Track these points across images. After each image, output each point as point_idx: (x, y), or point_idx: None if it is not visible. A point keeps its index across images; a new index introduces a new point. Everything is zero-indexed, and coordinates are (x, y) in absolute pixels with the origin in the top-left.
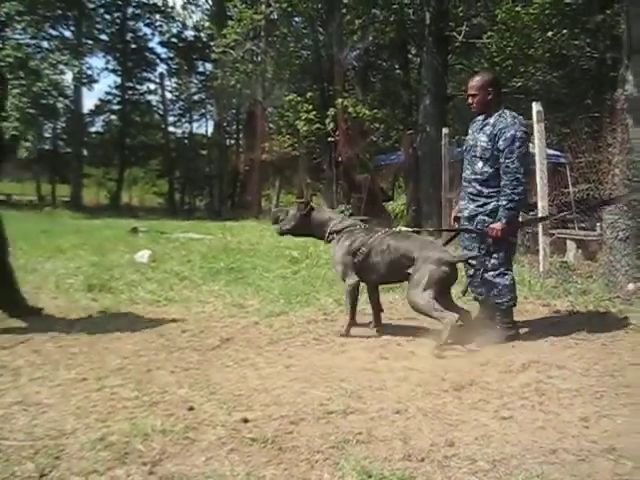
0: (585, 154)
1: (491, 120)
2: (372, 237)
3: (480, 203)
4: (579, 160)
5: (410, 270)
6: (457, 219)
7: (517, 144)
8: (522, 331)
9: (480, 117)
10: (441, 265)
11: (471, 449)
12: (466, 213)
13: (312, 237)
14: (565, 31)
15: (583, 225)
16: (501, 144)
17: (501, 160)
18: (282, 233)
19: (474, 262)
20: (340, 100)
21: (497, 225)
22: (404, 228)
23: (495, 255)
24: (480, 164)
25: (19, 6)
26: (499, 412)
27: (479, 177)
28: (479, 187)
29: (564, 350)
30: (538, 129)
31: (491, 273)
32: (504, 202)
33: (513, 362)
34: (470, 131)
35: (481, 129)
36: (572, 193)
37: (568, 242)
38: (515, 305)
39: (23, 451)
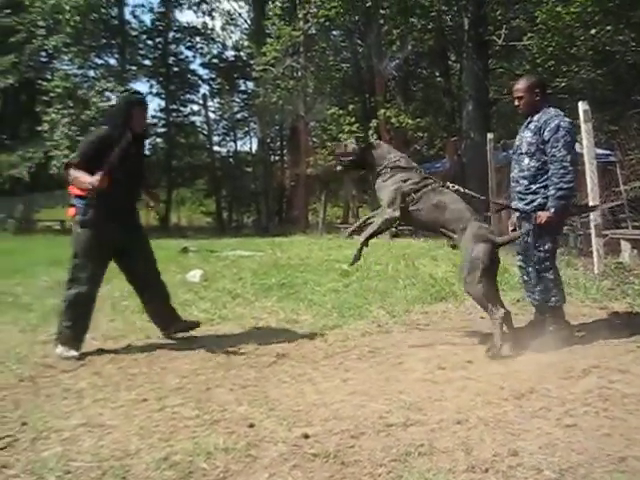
0: (635, 151)
1: (535, 117)
2: (426, 185)
3: (528, 200)
4: (630, 157)
5: (450, 232)
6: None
7: (562, 132)
8: (580, 335)
9: (526, 120)
10: (491, 246)
11: (536, 458)
12: (517, 213)
13: (368, 172)
14: (609, 27)
15: (637, 224)
16: (546, 134)
17: (547, 150)
18: (342, 167)
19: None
20: (382, 111)
21: (545, 213)
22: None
23: (540, 248)
24: (526, 160)
25: (66, 38)
26: (562, 420)
27: (526, 173)
28: (527, 183)
29: (625, 354)
30: (585, 128)
31: (536, 267)
32: (552, 191)
33: (573, 368)
34: (518, 135)
35: (526, 127)
36: (624, 192)
37: (622, 242)
38: (564, 302)
39: (91, 472)
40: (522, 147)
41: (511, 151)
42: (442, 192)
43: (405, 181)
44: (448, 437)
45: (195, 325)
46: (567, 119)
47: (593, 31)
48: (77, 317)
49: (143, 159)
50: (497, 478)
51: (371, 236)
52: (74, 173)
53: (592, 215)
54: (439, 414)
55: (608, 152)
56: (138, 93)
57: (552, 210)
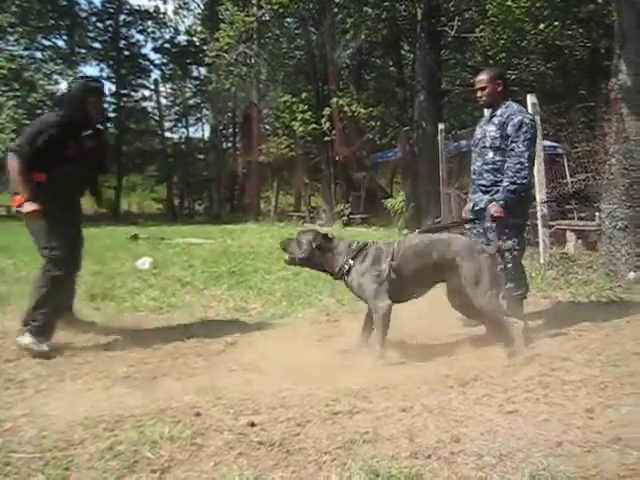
0: (582, 144)
1: (498, 112)
2: (395, 250)
3: (494, 192)
4: (576, 150)
5: (449, 274)
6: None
7: (524, 129)
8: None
9: (487, 112)
10: (489, 258)
11: (477, 444)
12: (482, 205)
13: (323, 272)
14: (557, 22)
15: (582, 215)
16: (509, 129)
17: (508, 145)
18: (291, 263)
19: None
20: (335, 99)
21: (495, 206)
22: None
23: (514, 247)
24: (491, 154)
25: (11, 18)
26: (504, 406)
27: (490, 167)
28: (491, 177)
29: (567, 342)
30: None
31: (509, 266)
32: (505, 183)
33: (516, 355)
34: (478, 128)
35: (489, 120)
36: (570, 183)
37: (568, 233)
38: (526, 297)
39: (33, 463)
40: (486, 141)
41: (468, 143)
42: (411, 243)
43: (376, 264)
44: (393, 424)
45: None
46: (529, 116)
47: (542, 25)
48: (53, 305)
49: (102, 152)
50: (439, 464)
51: (383, 337)
52: (13, 166)
53: (539, 206)
54: (385, 402)
55: (555, 144)
56: (95, 80)
57: (501, 202)
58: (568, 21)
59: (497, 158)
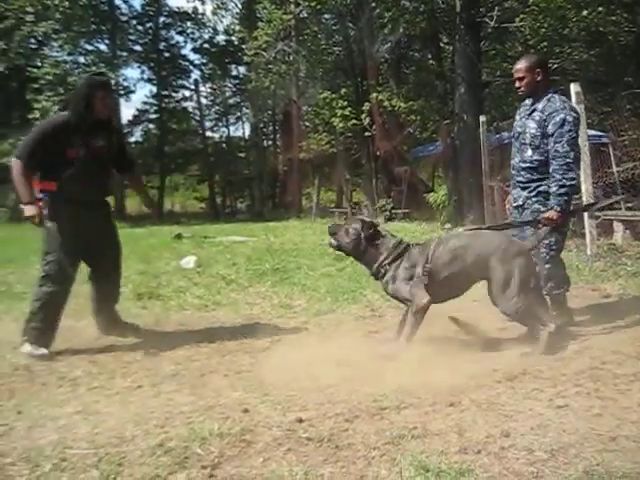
0: (628, 132)
1: (539, 105)
2: (431, 253)
3: (532, 189)
4: (622, 138)
5: (486, 274)
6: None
7: (567, 128)
8: (571, 317)
9: (527, 101)
10: (521, 257)
11: (527, 439)
12: (520, 201)
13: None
14: (601, 8)
15: (630, 205)
16: (550, 128)
17: (550, 144)
18: (337, 249)
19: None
20: (375, 94)
21: (550, 214)
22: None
23: (552, 245)
24: (529, 152)
25: (55, 24)
26: (554, 401)
27: (528, 165)
28: (529, 175)
29: (617, 334)
30: (578, 110)
31: (547, 266)
32: (554, 188)
33: (565, 349)
34: (517, 117)
35: (529, 115)
36: (616, 173)
37: (615, 223)
38: (566, 291)
39: (87, 459)
40: (525, 137)
41: (510, 134)
42: (448, 249)
43: (414, 266)
44: (441, 419)
45: (136, 328)
46: (573, 112)
47: (585, 12)
48: (48, 316)
49: (113, 148)
50: (489, 459)
51: (413, 332)
52: (18, 176)
53: (585, 197)
54: (432, 397)
55: (601, 133)
56: (101, 74)
57: (557, 208)
58: (612, 6)
59: (535, 157)
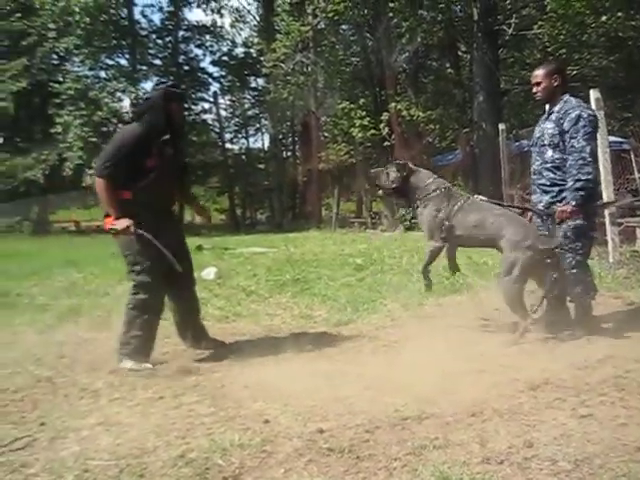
0: None
1: (556, 107)
2: (457, 207)
3: (554, 193)
4: None
5: (499, 243)
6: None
7: (582, 123)
8: (595, 325)
9: (546, 108)
10: (532, 251)
11: (551, 449)
12: (540, 206)
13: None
14: (620, 13)
15: None
16: (566, 125)
17: (566, 141)
18: (388, 193)
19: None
20: (393, 104)
21: (566, 207)
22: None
23: (571, 246)
24: (550, 152)
25: (76, 40)
26: (577, 410)
27: (549, 165)
28: (551, 175)
29: None
30: (594, 110)
31: (573, 270)
32: (570, 183)
33: (588, 358)
34: (537, 126)
35: (547, 118)
36: (638, 179)
37: (638, 230)
38: (592, 298)
39: (109, 470)
40: (544, 139)
41: (529, 142)
42: (475, 209)
43: (438, 211)
44: (463, 430)
45: (221, 344)
46: (589, 110)
47: (604, 18)
48: (147, 325)
49: (182, 158)
50: (512, 470)
51: (426, 267)
52: (100, 186)
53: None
54: (454, 407)
55: (622, 140)
56: (174, 85)
57: (572, 202)
58: (632, 11)
59: (556, 156)
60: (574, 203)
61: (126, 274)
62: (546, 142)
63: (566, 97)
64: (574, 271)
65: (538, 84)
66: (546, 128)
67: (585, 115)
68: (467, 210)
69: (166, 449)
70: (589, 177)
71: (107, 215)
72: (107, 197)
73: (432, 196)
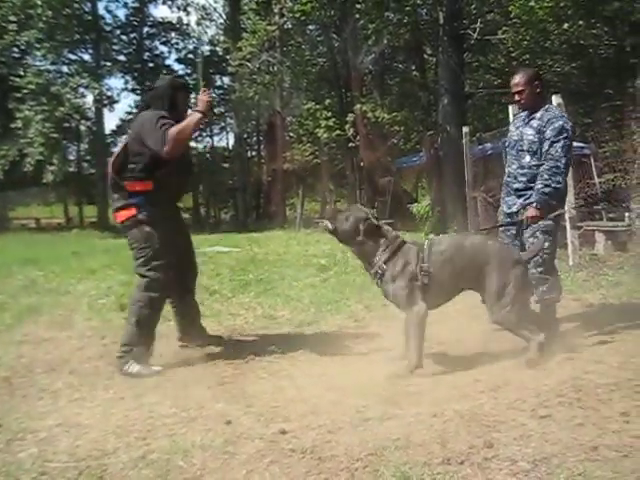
0: (609, 143)
1: (537, 114)
2: (426, 253)
3: (527, 196)
4: (603, 150)
5: (481, 278)
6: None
7: (564, 135)
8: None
9: (523, 113)
10: (519, 267)
11: (510, 450)
12: (514, 209)
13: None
14: (581, 21)
15: (611, 216)
16: (548, 133)
17: (544, 147)
18: (331, 233)
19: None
20: (359, 105)
21: (530, 211)
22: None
23: (545, 249)
24: (527, 158)
25: (38, 34)
26: (537, 411)
27: (527, 171)
28: (525, 180)
29: (599, 344)
30: None
31: (539, 269)
32: (539, 185)
33: (548, 359)
34: (513, 127)
35: (527, 123)
36: (598, 184)
37: (597, 234)
38: (557, 299)
39: (67, 472)
40: (523, 144)
41: (493, 145)
42: (446, 253)
43: (407, 267)
44: (424, 430)
45: (218, 340)
46: (570, 122)
47: (566, 25)
48: (152, 323)
49: (189, 149)
50: (472, 470)
51: (419, 344)
52: (183, 132)
53: (566, 207)
54: (415, 407)
55: (583, 145)
56: (180, 77)
57: (537, 205)
58: (593, 19)
59: (534, 162)
60: (539, 206)
61: (135, 268)
62: (525, 147)
63: (548, 105)
64: (540, 269)
65: (520, 92)
66: (526, 133)
67: (568, 127)
68: (435, 252)
69: (126, 450)
70: (558, 186)
71: (122, 208)
72: (183, 126)
73: (397, 257)
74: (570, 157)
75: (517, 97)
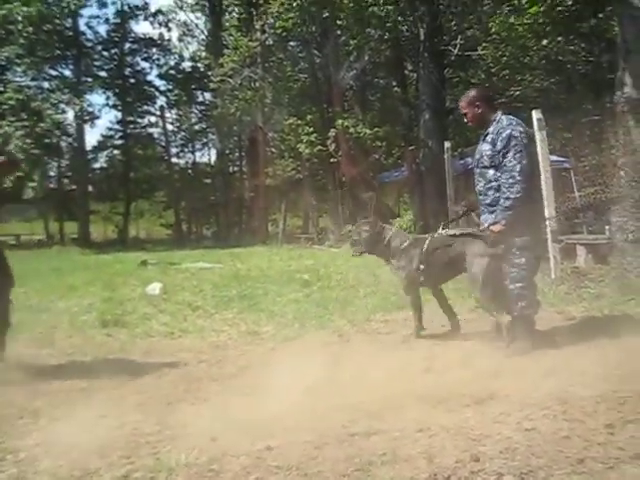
0: (588, 157)
1: (490, 129)
2: (425, 249)
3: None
4: (583, 164)
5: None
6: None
7: (513, 142)
8: (538, 340)
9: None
10: (488, 256)
11: (497, 463)
12: (487, 224)
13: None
14: (560, 38)
15: (592, 229)
16: (499, 145)
17: (499, 160)
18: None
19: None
20: (340, 121)
21: (495, 227)
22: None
23: (522, 265)
24: (491, 172)
25: (18, 49)
26: (522, 424)
27: (493, 184)
28: (494, 194)
29: (582, 357)
30: (540, 137)
31: (518, 284)
32: (501, 201)
33: (532, 372)
34: (477, 149)
35: (484, 139)
36: (578, 197)
37: (578, 247)
38: (535, 313)
39: None
40: (484, 160)
41: (471, 163)
42: (439, 247)
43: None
44: (410, 445)
45: None
46: (520, 128)
47: (545, 42)
48: None
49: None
50: None
51: (418, 315)
52: None
53: (548, 222)
54: (401, 422)
55: (562, 159)
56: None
57: (502, 222)
58: (571, 36)
59: (498, 174)
60: (504, 222)
61: None
62: (486, 163)
63: (498, 117)
64: (519, 285)
65: (465, 114)
66: (484, 150)
67: (516, 134)
68: (434, 250)
69: (109, 469)
70: (517, 195)
71: None
72: None
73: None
74: (525, 163)
75: (465, 119)
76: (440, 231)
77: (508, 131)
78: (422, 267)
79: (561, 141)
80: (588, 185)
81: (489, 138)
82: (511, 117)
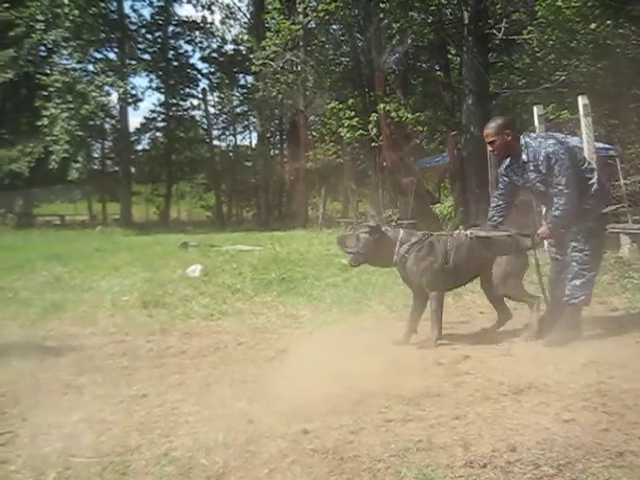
0: (635, 145)
1: (524, 157)
2: (450, 244)
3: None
4: (629, 151)
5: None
6: None
7: (553, 160)
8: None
9: (507, 160)
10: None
11: (534, 454)
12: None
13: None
14: (609, 21)
15: (637, 218)
16: (542, 169)
17: (552, 180)
18: (358, 263)
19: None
20: (382, 105)
21: (543, 230)
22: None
23: (582, 264)
24: (550, 191)
25: (65, 32)
26: (560, 415)
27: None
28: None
29: (624, 349)
30: (585, 122)
31: (579, 279)
32: (554, 211)
33: (572, 363)
34: (513, 176)
35: (524, 170)
36: (624, 185)
37: (622, 236)
38: (588, 305)
39: (91, 467)
40: (539, 186)
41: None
42: (462, 242)
43: (434, 255)
44: (446, 432)
45: None
46: (549, 141)
47: (593, 25)
48: None
49: None
50: (495, 473)
51: (440, 322)
52: None
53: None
54: (438, 409)
55: (608, 146)
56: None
57: (550, 226)
58: (620, 19)
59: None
60: (550, 226)
61: None
62: (542, 188)
63: (524, 142)
64: (581, 280)
65: (492, 142)
66: (532, 179)
67: (550, 149)
68: (457, 246)
69: (149, 447)
70: (566, 207)
71: None
72: None
73: (419, 243)
74: (570, 173)
75: (490, 147)
76: (466, 231)
77: (543, 153)
78: (449, 264)
79: (607, 128)
80: (634, 173)
81: (531, 166)
82: (532, 135)
